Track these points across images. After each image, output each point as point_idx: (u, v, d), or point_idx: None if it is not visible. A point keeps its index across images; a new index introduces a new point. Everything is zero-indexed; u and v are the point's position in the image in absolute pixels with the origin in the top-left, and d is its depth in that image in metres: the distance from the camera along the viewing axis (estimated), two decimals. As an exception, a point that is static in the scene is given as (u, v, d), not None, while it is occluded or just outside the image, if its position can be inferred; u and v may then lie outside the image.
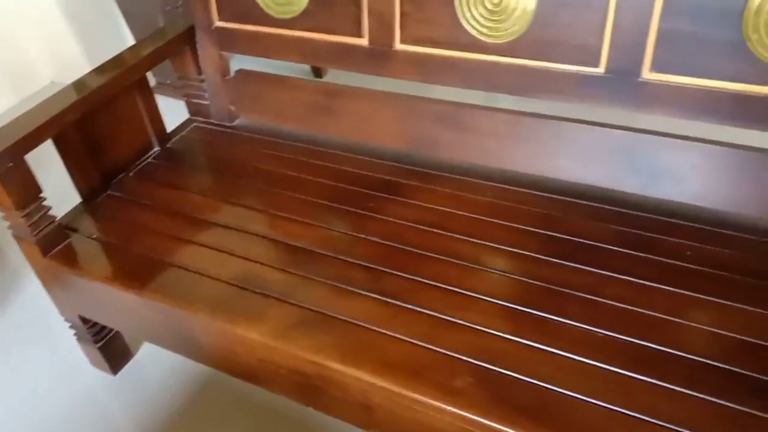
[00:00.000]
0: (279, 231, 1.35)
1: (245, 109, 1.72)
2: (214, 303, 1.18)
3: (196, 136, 1.73)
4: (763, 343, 1.02)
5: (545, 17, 1.22)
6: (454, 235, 1.29)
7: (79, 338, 1.60)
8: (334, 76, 2.78)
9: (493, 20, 1.26)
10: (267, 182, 1.51)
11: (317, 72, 2.85)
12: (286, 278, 1.22)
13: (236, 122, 1.75)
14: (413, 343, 1.07)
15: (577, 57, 1.22)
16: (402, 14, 1.35)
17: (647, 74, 1.18)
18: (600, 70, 1.22)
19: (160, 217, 1.43)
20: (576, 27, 1.20)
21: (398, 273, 1.21)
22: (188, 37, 1.66)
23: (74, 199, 1.50)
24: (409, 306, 1.14)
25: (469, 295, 1.15)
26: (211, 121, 1.76)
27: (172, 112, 1.84)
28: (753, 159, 1.19)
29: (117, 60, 1.56)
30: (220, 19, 1.60)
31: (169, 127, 1.75)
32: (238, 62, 1.72)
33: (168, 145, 1.69)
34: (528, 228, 1.30)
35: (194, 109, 1.79)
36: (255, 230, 1.35)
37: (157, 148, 1.68)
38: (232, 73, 1.69)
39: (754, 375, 0.97)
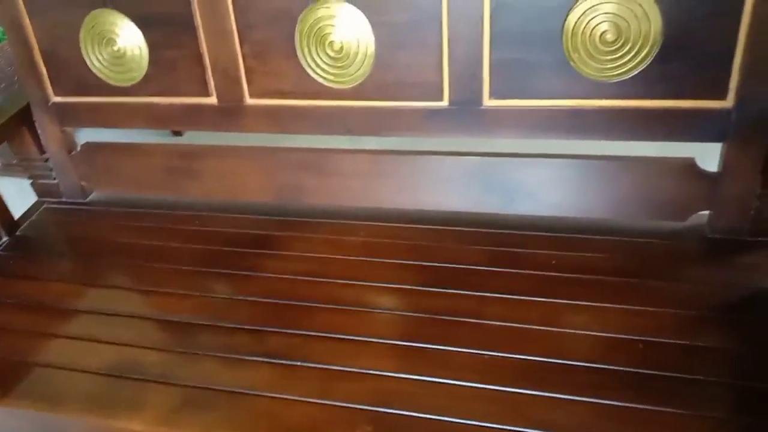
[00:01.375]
0: (152, 307, 1.28)
1: (98, 183, 1.63)
2: (89, 399, 1.09)
3: (49, 219, 1.62)
4: (631, 337, 1.09)
5: (386, 59, 1.26)
6: (335, 281, 1.28)
7: (-59, 463, 1.43)
8: (194, 134, 2.70)
9: (338, 66, 1.28)
10: (132, 257, 1.43)
11: (176, 131, 2.76)
12: (165, 358, 1.16)
13: (90, 198, 1.65)
14: (307, 401, 1.04)
15: (421, 93, 1.27)
16: (247, 69, 1.35)
17: (487, 102, 1.25)
18: (444, 103, 1.27)
19: (18, 314, 1.31)
20: (416, 66, 1.25)
21: (284, 330, 1.18)
22: (26, 116, 1.56)
23: None
24: (299, 363, 1.11)
25: (358, 340, 1.14)
26: (63, 200, 1.65)
27: (24, 195, 1.71)
28: (596, 166, 1.29)
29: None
30: (57, 94, 1.51)
31: (21, 210, 1.63)
32: (91, 133, 1.63)
33: (18, 233, 1.57)
34: (404, 262, 1.31)
35: (42, 190, 1.67)
36: (126, 311, 1.27)
37: (5, 239, 1.55)
38: (78, 147, 1.60)
39: (627, 369, 1.03)
